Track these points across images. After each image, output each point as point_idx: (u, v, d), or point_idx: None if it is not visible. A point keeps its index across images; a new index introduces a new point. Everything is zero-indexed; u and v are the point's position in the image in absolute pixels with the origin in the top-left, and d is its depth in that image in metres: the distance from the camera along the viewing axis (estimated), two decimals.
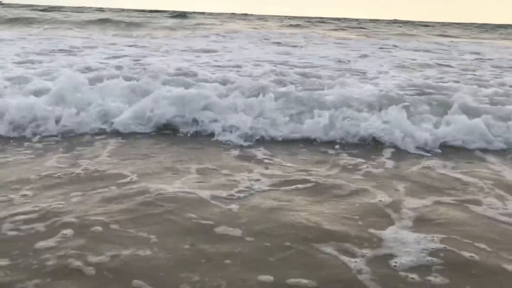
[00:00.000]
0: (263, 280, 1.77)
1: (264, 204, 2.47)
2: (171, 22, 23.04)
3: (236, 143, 3.62)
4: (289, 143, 3.74)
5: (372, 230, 2.20)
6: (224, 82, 5.50)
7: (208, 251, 1.95)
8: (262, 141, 3.73)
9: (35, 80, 4.88)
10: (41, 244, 1.95)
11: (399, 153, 3.58)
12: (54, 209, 2.29)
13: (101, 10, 40.08)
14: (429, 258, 1.95)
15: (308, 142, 3.79)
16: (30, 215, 2.22)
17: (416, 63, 9.08)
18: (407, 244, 2.07)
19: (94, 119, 3.92)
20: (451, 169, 3.23)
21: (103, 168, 2.94)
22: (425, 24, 38.53)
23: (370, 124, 3.87)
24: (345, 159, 3.37)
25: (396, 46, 13.71)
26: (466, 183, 2.96)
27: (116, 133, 3.81)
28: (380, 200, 2.59)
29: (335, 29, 23.65)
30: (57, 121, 3.81)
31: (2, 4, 39.07)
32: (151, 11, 40.76)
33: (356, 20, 48.84)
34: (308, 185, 2.80)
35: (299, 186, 2.77)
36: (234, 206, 2.42)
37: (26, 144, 3.44)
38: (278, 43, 13.71)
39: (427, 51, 12.46)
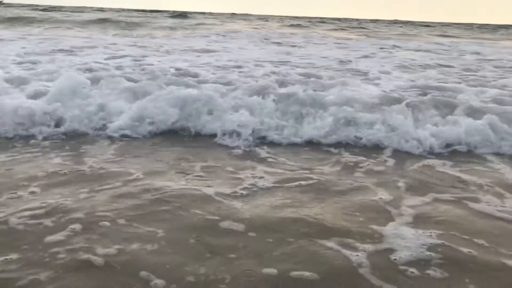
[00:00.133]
0: (267, 273, 1.82)
1: (267, 201, 2.52)
2: (171, 22, 23.06)
3: (239, 144, 3.64)
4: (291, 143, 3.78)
5: (373, 226, 2.25)
6: (225, 83, 5.52)
7: (212, 245, 2.00)
8: (265, 141, 3.76)
9: (35, 81, 4.90)
10: (50, 238, 2.01)
11: (401, 152, 3.61)
12: (62, 205, 2.34)
13: (101, 10, 40.09)
14: (428, 253, 2.00)
15: (310, 142, 3.82)
16: (39, 210, 2.27)
17: (417, 64, 9.09)
18: (407, 240, 2.12)
19: (97, 119, 3.94)
20: (450, 167, 3.28)
21: (108, 166, 2.99)
22: (425, 24, 38.55)
23: (375, 133, 3.82)
24: (347, 157, 3.42)
25: (397, 46, 13.73)
26: (465, 181, 3.01)
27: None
28: (381, 198, 2.64)
29: (336, 29, 23.68)
30: (62, 121, 3.85)
31: (3, 4, 39.09)
32: (151, 11, 40.77)
33: (357, 20, 48.87)
34: (311, 182, 2.86)
35: (302, 183, 2.83)
36: (238, 203, 2.47)
37: (31, 143, 3.48)
38: (279, 43, 13.75)
39: (428, 51, 12.47)
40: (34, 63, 6.74)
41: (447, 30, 28.38)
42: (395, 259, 1.95)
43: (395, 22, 47.17)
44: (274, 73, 6.82)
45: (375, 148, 3.71)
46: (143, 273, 1.77)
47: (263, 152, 3.46)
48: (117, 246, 1.95)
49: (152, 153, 3.35)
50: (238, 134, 3.73)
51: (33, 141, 3.52)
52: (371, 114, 4.10)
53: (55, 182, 2.69)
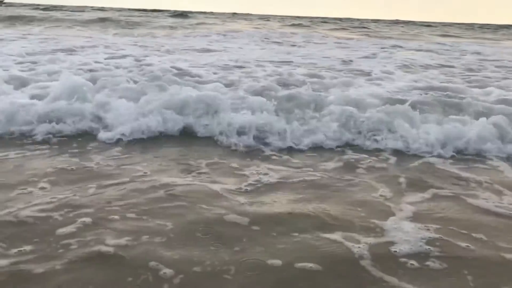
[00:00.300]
0: (271, 264, 1.88)
1: (271, 196, 2.59)
2: (172, 21, 23.14)
3: (243, 143, 3.65)
4: None
5: (374, 221, 2.31)
6: (227, 83, 5.57)
7: (218, 238, 2.07)
8: (268, 141, 3.80)
9: (36, 81, 4.91)
10: (61, 230, 2.08)
11: (402, 151, 3.63)
12: (72, 200, 2.41)
13: (102, 9, 40.14)
14: (427, 247, 2.07)
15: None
16: (49, 205, 2.34)
17: (419, 64, 9.13)
18: (407, 234, 2.19)
19: (99, 120, 3.92)
20: (450, 165, 3.33)
21: (114, 164, 3.06)
22: (427, 24, 38.59)
23: (382, 140, 3.78)
24: (350, 155, 3.47)
25: (398, 46, 13.77)
26: (465, 178, 3.07)
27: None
28: (382, 193, 2.71)
29: (337, 29, 23.74)
30: (65, 121, 3.85)
31: (4, 3, 39.16)
32: (151, 11, 40.81)
33: (358, 20, 48.90)
34: (314, 178, 2.92)
35: (306, 179, 2.90)
36: (243, 198, 2.54)
37: (37, 141, 3.49)
38: (280, 43, 13.81)
39: (430, 51, 12.52)
40: (34, 62, 6.75)
41: (448, 30, 28.41)
42: (395, 251, 2.01)
43: (396, 22, 47.16)
44: (276, 73, 6.86)
45: (377, 147, 3.75)
46: (152, 264, 1.83)
47: (266, 150, 3.51)
48: (126, 238, 2.02)
49: (157, 151, 3.40)
50: (242, 134, 3.73)
51: (38, 139, 3.53)
52: (374, 115, 4.05)
53: (63, 178, 2.75)
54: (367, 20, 47.42)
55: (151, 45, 10.99)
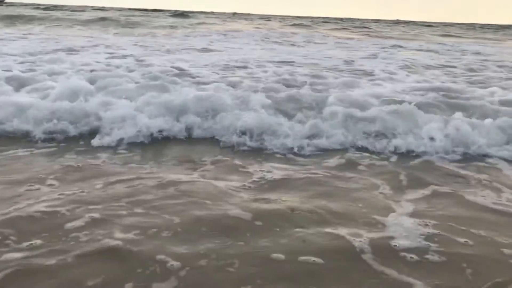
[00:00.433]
0: (274, 258, 1.94)
1: (275, 193, 2.65)
2: (172, 21, 23.18)
3: (246, 143, 3.66)
4: None
5: (375, 216, 2.37)
6: (229, 83, 5.58)
7: (222, 232, 2.13)
8: (271, 141, 3.84)
9: (37, 81, 4.90)
10: (70, 225, 2.13)
11: (404, 151, 3.68)
12: (79, 196, 2.47)
13: (102, 9, 40.20)
14: (427, 242, 2.12)
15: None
16: (58, 201, 2.39)
17: (420, 64, 9.15)
18: (407, 229, 2.24)
19: (102, 121, 3.88)
20: (451, 164, 3.38)
21: (121, 161, 3.12)
22: (427, 24, 38.63)
23: (384, 140, 3.76)
24: (352, 153, 3.52)
25: (399, 46, 13.81)
26: (464, 176, 3.12)
27: None
28: (383, 190, 2.77)
29: (338, 29, 23.78)
30: (68, 121, 3.84)
31: (5, 2, 39.22)
32: (152, 10, 40.87)
33: (359, 20, 48.94)
34: (317, 176, 2.98)
35: (309, 176, 2.96)
36: (247, 194, 2.59)
37: (42, 141, 3.52)
38: (281, 43, 13.85)
39: (431, 51, 12.56)
40: (35, 62, 6.75)
41: (449, 30, 28.45)
42: (395, 246, 2.06)
43: (397, 22, 47.21)
44: (278, 73, 6.88)
45: (379, 147, 3.77)
46: (160, 257, 1.89)
47: (269, 150, 3.54)
48: (135, 232, 2.08)
49: (161, 151, 3.44)
50: (244, 134, 3.74)
51: (43, 139, 3.55)
52: (377, 115, 4.05)
53: (71, 175, 2.81)
54: (368, 20, 47.47)
55: (151, 45, 11.03)
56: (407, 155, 3.55)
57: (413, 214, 2.42)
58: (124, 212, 2.27)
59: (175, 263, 1.85)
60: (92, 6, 43.73)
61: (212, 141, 3.74)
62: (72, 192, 2.52)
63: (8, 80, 4.88)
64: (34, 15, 20.48)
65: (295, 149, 3.53)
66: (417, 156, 3.53)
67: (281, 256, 1.95)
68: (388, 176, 3.04)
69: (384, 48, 13.02)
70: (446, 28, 31.14)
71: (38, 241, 1.98)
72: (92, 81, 4.79)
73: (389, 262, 1.93)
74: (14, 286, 1.68)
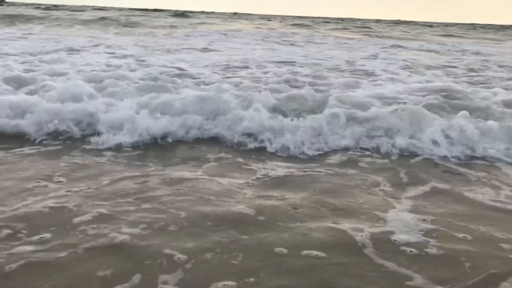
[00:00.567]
0: (277, 252, 1.99)
1: (278, 189, 2.70)
2: (173, 21, 23.24)
3: (250, 142, 3.69)
4: None
5: (376, 212, 2.43)
6: (230, 83, 5.61)
7: (226, 227, 2.19)
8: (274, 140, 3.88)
9: (38, 81, 4.90)
10: (77, 219, 2.19)
11: (405, 150, 3.72)
12: (86, 192, 2.53)
13: (102, 9, 40.25)
14: (426, 236, 2.18)
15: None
16: (65, 197, 2.45)
17: (421, 64, 9.17)
18: (407, 224, 2.30)
19: (104, 121, 3.89)
20: (449, 161, 3.43)
21: (125, 159, 3.17)
22: (428, 25, 38.68)
23: (386, 140, 3.77)
24: (354, 153, 3.56)
25: (400, 46, 13.83)
26: (464, 174, 3.17)
27: None
28: (384, 186, 2.82)
29: (339, 29, 23.83)
30: (70, 122, 3.85)
31: (6, 2, 39.29)
32: (153, 10, 40.92)
33: (360, 20, 48.98)
34: (320, 173, 3.04)
35: (311, 174, 3.01)
36: (250, 191, 2.65)
37: (45, 140, 3.55)
38: (282, 43, 13.89)
39: (432, 51, 12.60)
40: (34, 62, 6.77)
41: (450, 30, 28.48)
42: (395, 240, 2.12)
43: (398, 22, 47.25)
44: (279, 73, 6.91)
45: (381, 147, 3.81)
46: (167, 251, 1.95)
47: (272, 149, 3.58)
48: (141, 226, 2.14)
49: (165, 149, 3.49)
50: (247, 134, 3.77)
51: (46, 138, 3.58)
52: (378, 115, 4.06)
53: (77, 172, 2.87)
54: (368, 20, 47.50)
55: (152, 45, 11.07)
56: (408, 154, 3.60)
57: (413, 210, 2.48)
58: (131, 208, 2.33)
59: (182, 256, 1.91)
60: (92, 6, 43.78)
61: (214, 141, 3.77)
62: (79, 188, 2.58)
63: (9, 80, 4.92)
64: (35, 15, 20.55)
65: (297, 149, 3.58)
66: (417, 154, 3.58)
67: (284, 250, 2.01)
68: (388, 173, 3.10)
69: (385, 48, 13.05)
70: (446, 28, 31.18)
71: (48, 235, 2.04)
72: (93, 82, 4.82)
73: (389, 256, 1.99)
74: (28, 276, 1.74)
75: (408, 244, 2.09)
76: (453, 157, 3.53)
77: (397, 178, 3.01)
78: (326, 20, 37.25)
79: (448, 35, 22.74)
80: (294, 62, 8.67)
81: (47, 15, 21.53)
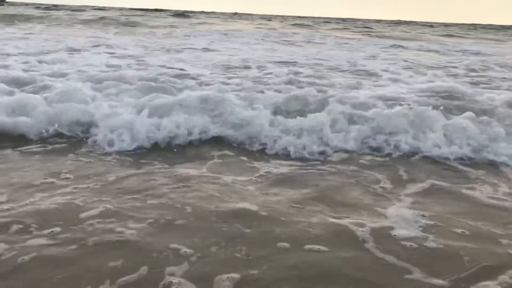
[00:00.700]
0: (280, 246, 2.05)
1: (281, 186, 2.76)
2: (173, 21, 23.29)
3: (253, 142, 3.71)
4: None
5: (377, 208, 2.49)
6: (230, 83, 5.64)
7: (230, 222, 2.25)
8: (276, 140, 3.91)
9: (39, 81, 4.93)
10: (85, 214, 2.25)
11: (405, 149, 3.77)
12: (93, 188, 2.59)
13: (103, 8, 40.28)
14: (425, 232, 2.23)
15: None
16: (72, 194, 2.51)
17: (422, 64, 9.20)
18: (406, 220, 2.35)
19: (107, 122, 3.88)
20: (448, 159, 3.48)
21: (131, 158, 3.23)
22: (429, 25, 38.74)
23: (387, 140, 3.80)
24: (355, 152, 3.60)
25: (401, 46, 13.86)
26: (464, 172, 3.22)
27: None
28: (384, 184, 2.88)
29: (340, 29, 23.87)
30: (71, 122, 3.84)
31: (6, 2, 39.34)
32: (153, 10, 40.96)
33: (360, 20, 49.04)
34: (322, 171, 3.11)
35: (314, 171, 3.08)
36: (253, 188, 2.71)
37: (48, 140, 3.58)
38: (282, 43, 13.93)
39: (433, 51, 12.64)
40: (35, 62, 6.78)
41: (451, 30, 28.52)
42: (395, 235, 2.18)
43: (398, 22, 47.29)
44: (279, 74, 6.93)
45: (382, 146, 3.84)
46: (173, 245, 2.01)
47: (275, 148, 3.61)
48: (148, 221, 2.20)
49: (169, 149, 3.52)
50: (248, 134, 3.79)
51: (50, 139, 3.60)
52: (379, 116, 4.06)
53: (83, 170, 2.92)
54: (369, 20, 47.56)
55: (152, 45, 11.10)
56: (408, 153, 3.63)
57: (412, 207, 2.54)
58: (137, 204, 2.39)
59: (188, 250, 1.97)
60: (92, 6, 43.82)
61: (217, 140, 3.80)
62: (86, 185, 2.63)
63: (10, 80, 4.93)
64: (35, 15, 20.59)
65: (300, 148, 3.60)
66: (418, 153, 3.63)
67: (286, 244, 2.06)
68: (388, 171, 3.15)
69: (385, 48, 13.09)
70: (447, 29, 31.22)
71: (57, 229, 2.10)
72: (93, 82, 4.84)
73: (389, 250, 2.04)
74: (40, 268, 1.80)
75: (407, 238, 2.15)
76: (451, 154, 3.56)
77: (397, 176, 3.07)
78: (327, 20, 37.31)
79: (449, 35, 22.78)
80: (295, 62, 8.69)
81: (47, 15, 21.57)
